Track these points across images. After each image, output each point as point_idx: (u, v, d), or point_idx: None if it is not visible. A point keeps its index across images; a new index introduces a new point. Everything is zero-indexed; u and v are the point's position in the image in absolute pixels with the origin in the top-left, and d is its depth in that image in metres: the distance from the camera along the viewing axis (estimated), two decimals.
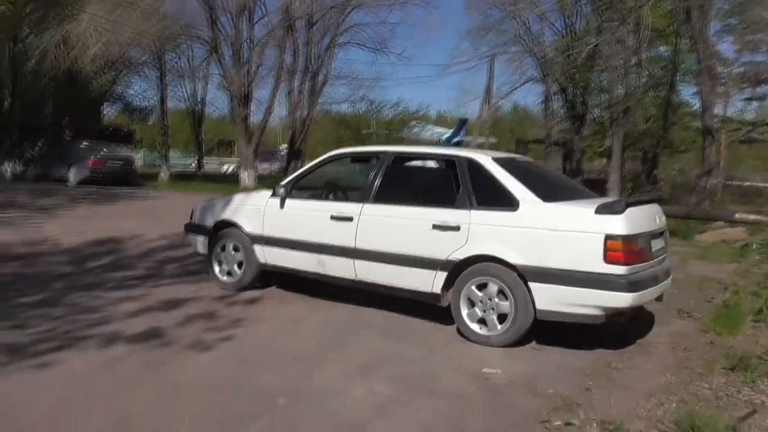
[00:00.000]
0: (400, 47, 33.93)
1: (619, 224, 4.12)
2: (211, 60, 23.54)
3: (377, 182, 5.16)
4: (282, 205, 5.59)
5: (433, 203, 4.84)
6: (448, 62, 35.77)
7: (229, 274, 5.99)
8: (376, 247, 5.00)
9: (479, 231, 4.55)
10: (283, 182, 5.70)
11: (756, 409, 3.41)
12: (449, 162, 5.00)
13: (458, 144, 38.12)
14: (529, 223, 4.38)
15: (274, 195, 5.62)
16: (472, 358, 4.25)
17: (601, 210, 4.19)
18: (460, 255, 4.60)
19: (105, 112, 36.15)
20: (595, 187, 21.27)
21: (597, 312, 4.22)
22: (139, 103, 34.54)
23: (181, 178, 25.47)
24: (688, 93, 23.64)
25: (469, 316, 4.62)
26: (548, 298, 4.29)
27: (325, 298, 5.70)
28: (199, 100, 29.58)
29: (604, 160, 25.97)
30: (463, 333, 4.65)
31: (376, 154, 5.43)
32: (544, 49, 22.42)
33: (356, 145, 25.71)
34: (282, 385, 3.57)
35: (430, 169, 5.39)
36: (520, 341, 4.49)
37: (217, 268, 6.07)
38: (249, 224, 5.79)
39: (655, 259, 4.56)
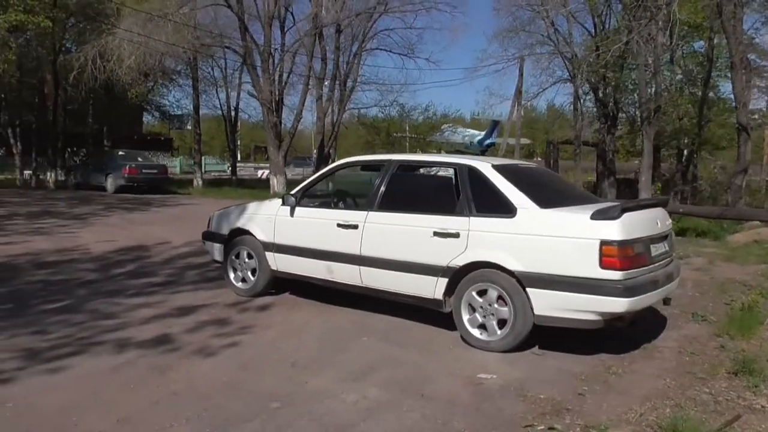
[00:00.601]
0: (427, 52, 33.97)
1: (614, 230, 4.12)
2: (244, 68, 23.96)
3: (381, 190, 5.26)
4: (292, 213, 5.74)
5: (434, 210, 4.92)
6: (475, 65, 35.53)
7: (243, 280, 6.17)
8: (380, 254, 5.09)
9: (478, 238, 4.61)
10: (293, 191, 5.86)
11: (740, 414, 3.39)
12: (450, 170, 5.07)
13: (490, 146, 37.83)
14: (527, 230, 4.42)
15: (284, 204, 5.77)
16: (471, 363, 4.31)
17: (596, 216, 4.20)
18: (460, 261, 4.66)
19: (145, 120, 37.42)
20: (629, 187, 21.01)
21: (594, 317, 4.23)
22: (175, 112, 35.54)
23: (215, 184, 26.06)
24: (727, 89, 23.04)
25: (470, 321, 4.68)
26: (546, 303, 4.32)
27: (334, 304, 5.81)
28: (233, 107, 30.21)
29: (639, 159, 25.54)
30: (465, 338, 4.71)
31: (381, 163, 5.53)
32: (573, 48, 22.18)
33: (386, 150, 25.90)
34: (278, 390, 3.70)
35: (432, 177, 5.46)
36: (520, 346, 4.52)
37: (232, 275, 6.26)
38: (261, 232, 5.96)
39: (656, 264, 4.54)
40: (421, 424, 3.28)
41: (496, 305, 4.54)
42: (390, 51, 24.97)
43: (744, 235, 11.88)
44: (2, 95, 24.21)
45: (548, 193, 4.87)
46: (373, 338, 4.87)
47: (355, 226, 5.24)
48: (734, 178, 14.90)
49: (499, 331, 4.53)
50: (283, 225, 5.80)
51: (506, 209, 4.54)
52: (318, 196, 6.06)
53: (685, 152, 20.95)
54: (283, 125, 22.17)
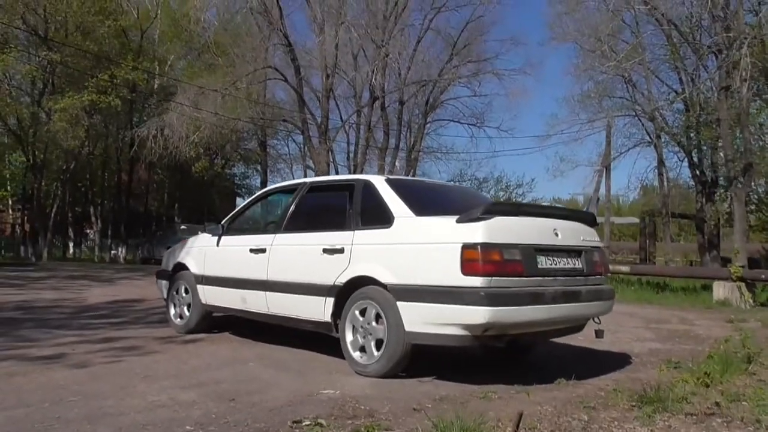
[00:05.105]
0: (497, 120, 33.27)
1: (476, 231, 3.96)
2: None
3: (289, 212, 5.39)
4: (218, 243, 5.95)
5: (326, 227, 4.95)
6: (546, 132, 34.69)
7: (180, 317, 6.36)
8: (282, 277, 5.14)
9: (360, 251, 4.57)
10: (223, 221, 6.09)
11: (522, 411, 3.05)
12: (350, 186, 5.09)
13: None
14: (399, 239, 4.35)
15: (209, 233, 6.00)
16: (331, 385, 4.13)
17: (462, 219, 4.06)
18: (343, 278, 4.61)
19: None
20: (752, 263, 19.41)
21: (459, 331, 3.99)
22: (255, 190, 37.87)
23: None
24: None
25: (352, 344, 4.56)
26: (414, 318, 4.15)
27: (266, 342, 5.77)
28: None
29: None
30: (349, 364, 4.58)
31: (297, 186, 5.67)
32: (658, 108, 21.50)
33: None
34: (95, 391, 3.77)
35: (334, 195, 5.47)
36: (401, 373, 4.33)
37: (172, 311, 6.47)
38: (195, 265, 6.19)
39: (548, 277, 4.24)
40: (193, 417, 3.22)
41: (374, 323, 4.42)
42: (458, 121, 25.53)
43: None
44: (87, 176, 27.07)
45: (440, 204, 4.78)
46: (260, 365, 4.82)
47: (264, 250, 5.35)
48: None
49: (376, 353, 4.37)
50: (210, 256, 6.01)
51: (385, 219, 4.51)
52: (245, 225, 6.24)
53: None
54: None
